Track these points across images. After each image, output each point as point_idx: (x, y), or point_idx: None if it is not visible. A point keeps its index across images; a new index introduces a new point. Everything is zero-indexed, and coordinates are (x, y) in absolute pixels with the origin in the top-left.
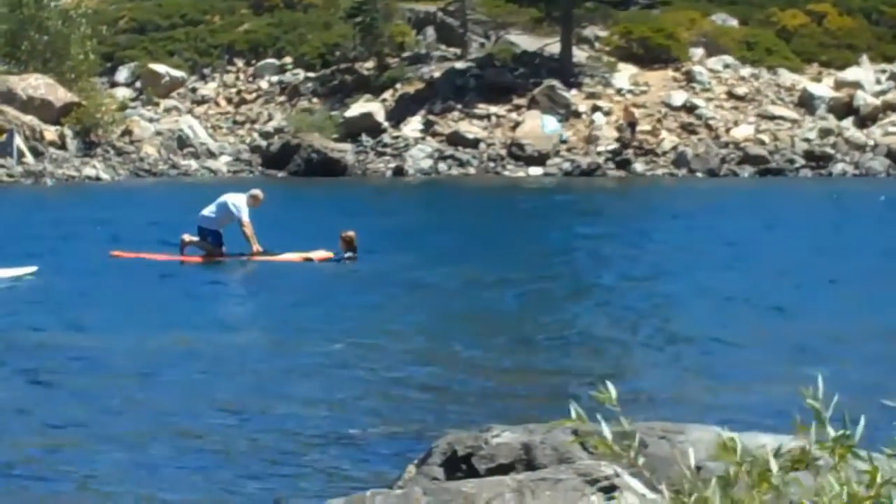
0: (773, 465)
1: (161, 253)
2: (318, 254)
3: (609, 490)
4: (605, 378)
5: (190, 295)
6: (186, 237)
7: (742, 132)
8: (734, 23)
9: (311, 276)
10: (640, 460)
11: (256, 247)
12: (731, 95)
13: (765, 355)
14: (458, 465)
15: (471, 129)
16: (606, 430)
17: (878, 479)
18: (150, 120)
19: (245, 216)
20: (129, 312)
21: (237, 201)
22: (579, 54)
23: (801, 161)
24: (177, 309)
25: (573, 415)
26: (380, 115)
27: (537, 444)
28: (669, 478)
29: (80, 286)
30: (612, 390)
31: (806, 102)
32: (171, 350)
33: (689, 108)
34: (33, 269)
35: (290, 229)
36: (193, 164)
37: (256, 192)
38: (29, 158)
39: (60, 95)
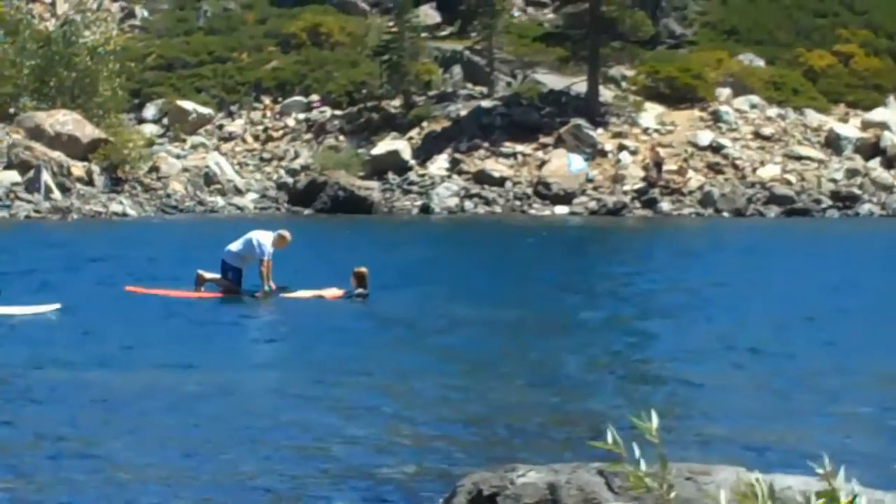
0: None
1: (177, 289)
2: (330, 291)
3: None
4: (630, 417)
5: (207, 332)
6: (203, 273)
7: (768, 172)
8: (761, 63)
9: (328, 313)
10: (672, 494)
11: (267, 287)
12: (757, 135)
13: (790, 396)
14: None
15: (497, 167)
16: (642, 464)
17: None
18: (178, 156)
19: (267, 255)
20: (145, 349)
21: (263, 239)
22: (606, 93)
23: (827, 201)
24: (195, 346)
25: (609, 439)
26: (406, 153)
27: (563, 483)
28: None
29: (102, 322)
30: (654, 419)
31: (832, 143)
32: (190, 387)
33: (716, 148)
34: (57, 305)
35: (310, 266)
36: (220, 200)
37: (285, 233)
38: (56, 194)
39: (88, 132)
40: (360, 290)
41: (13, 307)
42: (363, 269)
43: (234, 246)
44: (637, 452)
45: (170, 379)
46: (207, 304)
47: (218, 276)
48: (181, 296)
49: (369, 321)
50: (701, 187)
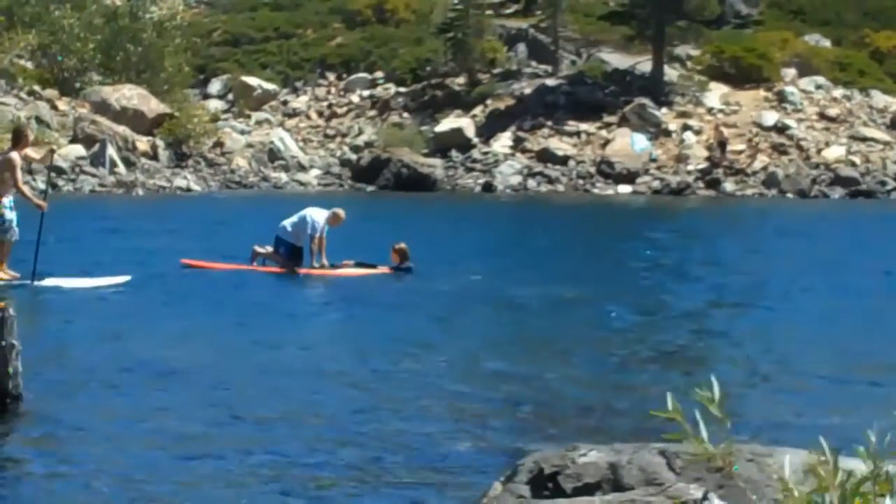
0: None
1: (231, 263)
2: (380, 268)
3: None
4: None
5: (264, 308)
6: (258, 248)
7: (833, 153)
8: (827, 43)
9: (384, 288)
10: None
11: (320, 263)
12: (822, 116)
13: (857, 378)
14: (545, 484)
15: (560, 145)
16: (704, 434)
17: None
18: (242, 132)
19: (319, 232)
20: (208, 323)
21: (317, 216)
22: (671, 73)
23: (892, 183)
24: (253, 322)
25: (669, 406)
26: (470, 131)
27: (624, 463)
28: (759, 500)
29: (160, 295)
30: (717, 391)
31: None
32: (256, 362)
33: (781, 129)
34: (126, 278)
35: (367, 242)
36: (284, 176)
37: (339, 211)
38: (121, 169)
39: (153, 106)
40: (406, 264)
41: (84, 279)
42: (403, 245)
43: (288, 222)
44: (701, 425)
45: (217, 353)
46: (261, 278)
47: (271, 250)
48: (235, 269)
49: (425, 297)
50: (765, 168)
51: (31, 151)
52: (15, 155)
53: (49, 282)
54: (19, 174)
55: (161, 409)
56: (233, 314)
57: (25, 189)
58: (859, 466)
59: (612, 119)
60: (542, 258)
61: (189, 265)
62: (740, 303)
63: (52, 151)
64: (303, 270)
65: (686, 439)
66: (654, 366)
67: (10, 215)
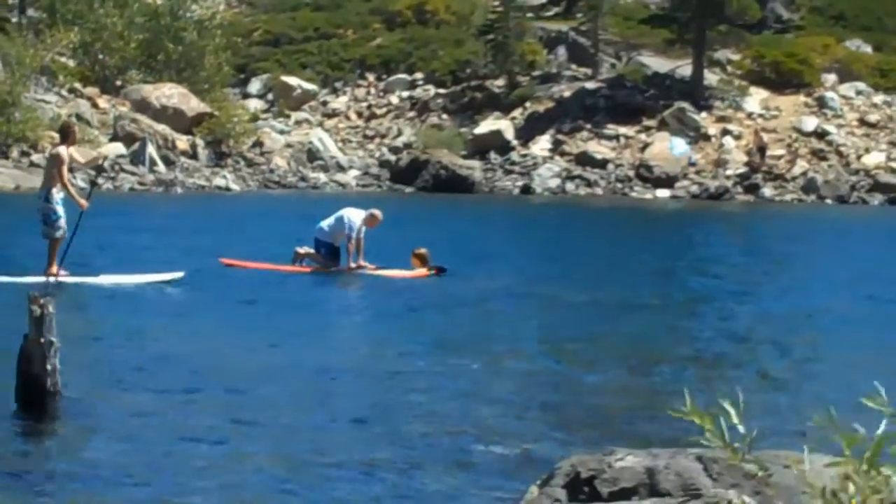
0: None
1: (271, 263)
2: (418, 270)
3: None
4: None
5: (299, 307)
6: (300, 249)
7: (873, 159)
8: (868, 49)
9: (420, 291)
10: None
11: (356, 263)
12: (862, 122)
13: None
14: (581, 488)
15: (599, 149)
16: (726, 435)
17: None
18: (281, 132)
19: (356, 233)
20: (248, 322)
21: (354, 217)
22: (710, 77)
23: None
24: (288, 321)
25: (688, 405)
26: (509, 133)
27: (661, 469)
28: None
29: (208, 294)
30: (740, 404)
31: None
32: (286, 363)
33: (820, 134)
34: (180, 274)
35: (404, 244)
36: (322, 177)
37: (376, 212)
38: (160, 167)
39: (193, 105)
40: (439, 266)
41: (137, 275)
42: (423, 250)
43: (326, 223)
44: (725, 429)
45: (253, 355)
46: (301, 278)
47: (311, 251)
48: (274, 269)
49: (459, 299)
50: (804, 173)
51: (76, 153)
52: (63, 150)
53: (104, 278)
54: (65, 170)
55: (197, 408)
56: (271, 314)
57: (70, 186)
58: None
59: (652, 123)
60: (578, 261)
61: (228, 264)
62: (775, 307)
63: (99, 159)
64: (344, 268)
65: (715, 444)
66: (693, 370)
67: (61, 211)
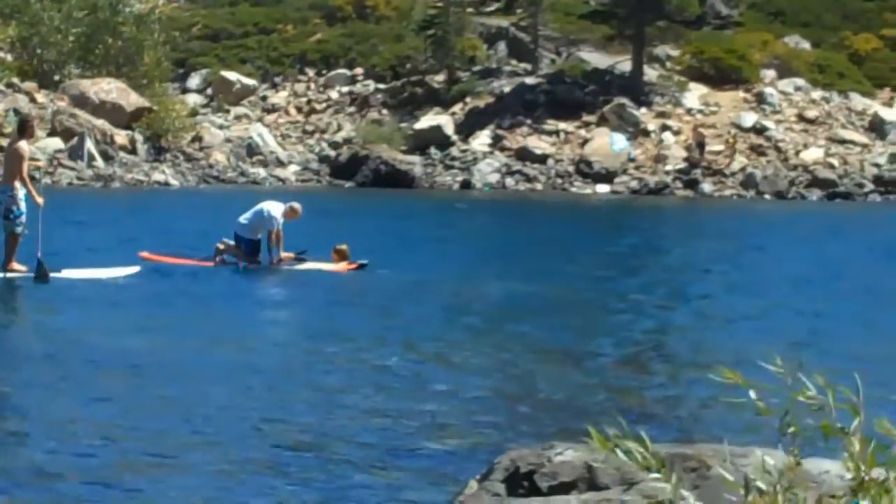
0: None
1: (190, 258)
2: (341, 264)
3: None
4: (669, 397)
5: (227, 303)
6: (221, 244)
7: (811, 155)
8: (806, 45)
9: (352, 284)
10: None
11: (278, 257)
12: (801, 118)
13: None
14: (520, 482)
15: (539, 144)
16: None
17: None
18: (221, 127)
19: (277, 225)
20: (171, 317)
21: (274, 210)
22: (650, 73)
23: (870, 186)
24: (216, 317)
25: (593, 437)
26: (449, 129)
27: (600, 463)
28: (734, 501)
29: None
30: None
31: (877, 127)
32: (220, 360)
33: (759, 130)
34: (136, 269)
35: (331, 239)
36: (262, 172)
37: (296, 205)
38: (99, 162)
39: (132, 100)
40: (360, 262)
41: (91, 270)
42: (344, 246)
43: (244, 217)
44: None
45: (185, 353)
46: (224, 273)
47: (233, 244)
48: (195, 264)
49: (392, 295)
50: (743, 169)
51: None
52: (24, 144)
53: (66, 273)
54: (25, 165)
55: (129, 405)
56: (195, 309)
57: (28, 182)
58: (832, 467)
59: (591, 118)
60: (515, 255)
61: (147, 258)
62: (717, 298)
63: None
64: (266, 263)
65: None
66: (631, 366)
67: (24, 207)
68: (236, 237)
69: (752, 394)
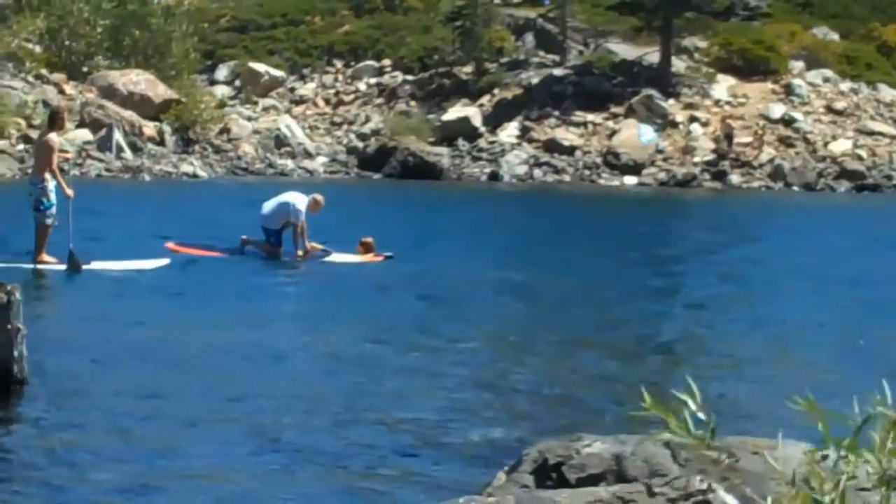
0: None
1: (216, 249)
2: (368, 256)
3: None
4: (699, 391)
5: (258, 293)
6: (245, 237)
7: (840, 147)
8: (835, 37)
9: (383, 276)
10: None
11: (304, 250)
12: (829, 110)
13: (859, 373)
14: (549, 474)
15: (567, 136)
16: (691, 427)
17: None
18: (249, 118)
19: (302, 218)
20: (207, 309)
21: (298, 203)
22: (678, 64)
23: None
24: (248, 307)
25: (647, 401)
26: (477, 120)
27: (628, 455)
28: (762, 493)
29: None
30: (696, 394)
31: None
32: (251, 348)
33: (787, 122)
34: (166, 261)
35: (357, 230)
36: (290, 163)
37: (318, 197)
38: (127, 154)
39: (160, 92)
40: (387, 254)
41: (121, 262)
42: (369, 239)
43: (268, 208)
44: (690, 422)
45: (214, 343)
46: (251, 265)
47: (258, 240)
48: (220, 255)
49: (419, 286)
50: (771, 160)
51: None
52: (54, 136)
53: (96, 265)
54: (55, 157)
55: (163, 395)
56: (224, 300)
57: (59, 174)
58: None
59: (619, 110)
60: (538, 248)
61: (173, 249)
62: (742, 293)
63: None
64: (293, 256)
65: (680, 434)
66: (661, 357)
67: (53, 199)
68: (265, 230)
69: (820, 426)
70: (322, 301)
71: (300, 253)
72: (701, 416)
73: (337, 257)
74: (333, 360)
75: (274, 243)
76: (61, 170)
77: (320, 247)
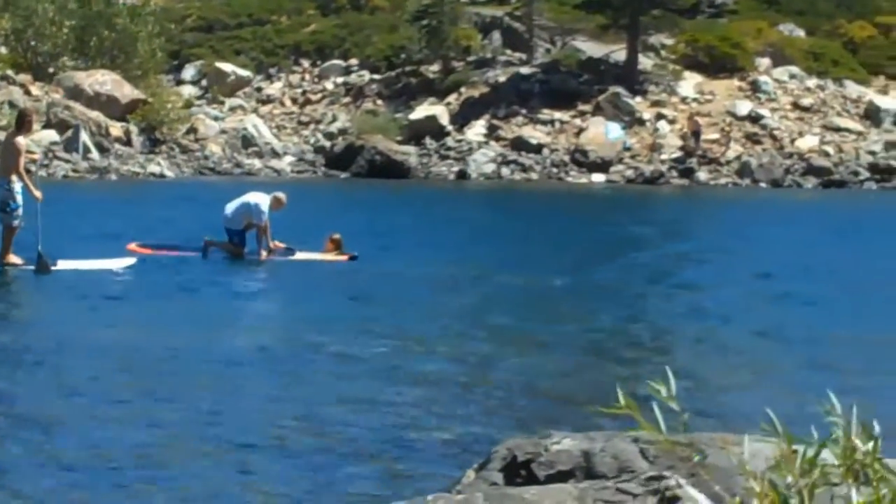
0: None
1: (176, 249)
2: (332, 255)
3: (672, 501)
4: (649, 383)
5: (225, 295)
6: (208, 239)
7: (807, 143)
8: (801, 33)
9: (339, 275)
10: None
11: (268, 250)
12: (796, 106)
13: (822, 366)
14: (518, 471)
15: (534, 134)
16: (662, 427)
17: None
18: (216, 118)
19: (264, 218)
20: (161, 309)
21: (261, 202)
22: (645, 62)
23: (865, 173)
24: (209, 309)
25: (622, 401)
26: (444, 119)
27: (597, 451)
28: (731, 489)
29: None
30: (672, 385)
31: (872, 115)
32: (219, 351)
33: (754, 118)
34: (132, 260)
35: (322, 229)
36: (257, 163)
37: (280, 195)
38: (94, 154)
39: (126, 92)
40: (352, 253)
41: (87, 261)
42: (337, 236)
43: (230, 209)
44: (660, 419)
45: (177, 344)
46: (214, 265)
47: (221, 241)
48: (180, 255)
49: (382, 283)
50: (739, 157)
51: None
52: (21, 139)
53: (62, 264)
54: (21, 160)
55: (129, 399)
56: (190, 301)
57: (25, 176)
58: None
59: (587, 108)
60: (504, 245)
61: (133, 250)
62: (712, 286)
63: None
64: (256, 255)
65: (655, 437)
66: (629, 353)
67: (20, 200)
68: (227, 231)
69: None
70: (285, 301)
71: (264, 253)
72: (674, 406)
73: (301, 256)
74: (298, 360)
75: (237, 243)
76: (28, 171)
77: (283, 245)
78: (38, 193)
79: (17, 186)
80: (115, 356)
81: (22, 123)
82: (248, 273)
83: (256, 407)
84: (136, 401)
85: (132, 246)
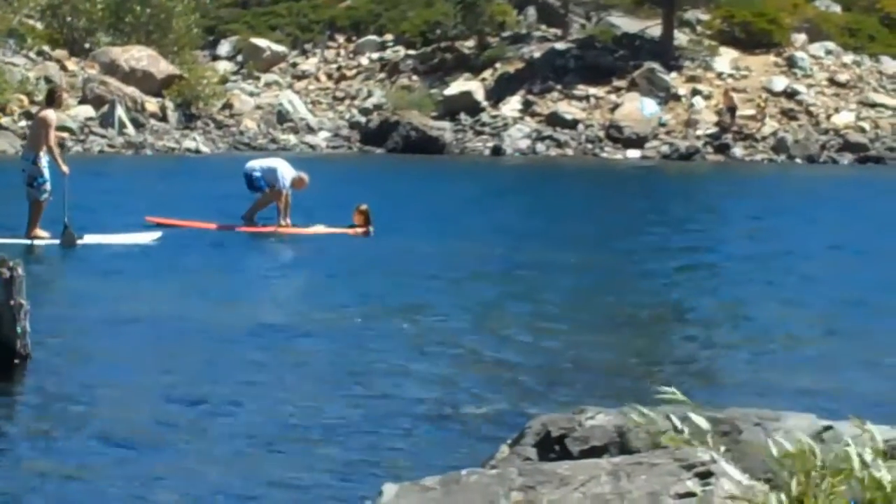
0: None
1: (197, 221)
2: (342, 227)
3: (705, 476)
4: (697, 362)
5: (258, 269)
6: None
7: (843, 119)
8: (837, 9)
9: (371, 251)
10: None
11: (285, 221)
12: (832, 82)
13: (865, 345)
14: (551, 447)
15: (569, 109)
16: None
17: None
18: (251, 94)
19: (286, 189)
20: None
21: (286, 172)
22: (680, 37)
23: None
24: (244, 284)
25: (635, 417)
26: (479, 94)
27: (631, 427)
28: (765, 464)
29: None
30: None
31: None
32: (254, 324)
33: (790, 94)
34: (157, 234)
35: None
36: (292, 138)
37: (305, 176)
38: (130, 129)
39: (162, 68)
40: (367, 228)
41: (113, 235)
42: (365, 206)
43: (258, 166)
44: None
45: (211, 316)
46: (237, 236)
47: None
48: (202, 227)
49: (409, 259)
50: (774, 133)
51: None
52: (51, 113)
53: (88, 238)
54: (52, 133)
55: (167, 369)
56: (217, 275)
57: (55, 150)
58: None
59: (622, 83)
60: (537, 223)
61: (152, 222)
62: (750, 263)
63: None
64: (272, 228)
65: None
66: (661, 328)
67: (47, 175)
68: (249, 181)
69: None
70: (309, 276)
71: (282, 223)
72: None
73: (321, 229)
74: (327, 337)
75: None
76: (60, 145)
77: (289, 224)
78: (65, 168)
79: (44, 160)
80: (150, 329)
81: (52, 99)
82: (268, 246)
83: (279, 382)
84: (169, 371)
85: (151, 218)
